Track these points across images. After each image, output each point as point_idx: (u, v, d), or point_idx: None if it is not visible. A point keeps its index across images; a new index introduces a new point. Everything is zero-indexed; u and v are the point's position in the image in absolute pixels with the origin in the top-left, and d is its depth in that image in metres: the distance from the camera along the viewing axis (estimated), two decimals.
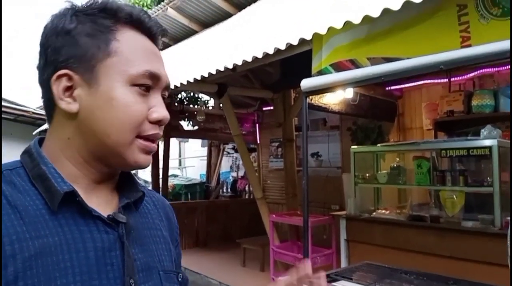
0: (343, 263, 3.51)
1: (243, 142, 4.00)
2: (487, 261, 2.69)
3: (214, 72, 2.66)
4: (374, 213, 3.50)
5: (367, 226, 3.46)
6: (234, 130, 3.75)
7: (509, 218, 2.62)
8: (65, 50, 0.60)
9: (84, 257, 0.57)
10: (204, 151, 8.98)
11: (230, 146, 8.30)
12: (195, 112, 6.23)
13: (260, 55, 2.41)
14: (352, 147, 3.59)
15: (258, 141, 7.08)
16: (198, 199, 7.67)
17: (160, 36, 0.68)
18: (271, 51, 2.32)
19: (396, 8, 1.65)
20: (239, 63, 2.55)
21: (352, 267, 2.46)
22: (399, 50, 1.86)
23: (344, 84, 2.06)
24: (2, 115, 7.61)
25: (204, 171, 8.91)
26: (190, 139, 9.17)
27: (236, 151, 8.14)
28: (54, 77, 0.60)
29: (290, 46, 2.21)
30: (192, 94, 6.74)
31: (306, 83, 2.17)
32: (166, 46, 5.53)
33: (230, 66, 2.63)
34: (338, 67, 2.10)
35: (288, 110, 4.00)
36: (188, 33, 5.39)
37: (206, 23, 4.97)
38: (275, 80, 3.85)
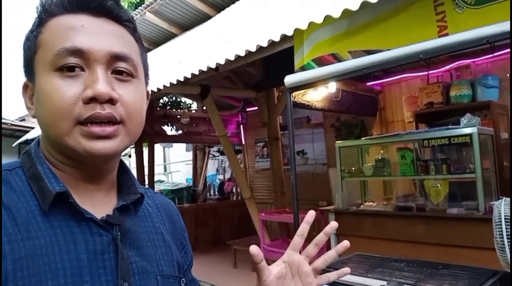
0: None
1: (229, 143, 4.00)
2: (473, 246, 2.76)
3: (197, 72, 2.66)
4: (362, 206, 3.55)
5: (355, 219, 3.50)
6: (220, 131, 3.75)
7: (492, 203, 2.70)
8: (23, 63, 0.62)
9: (76, 259, 0.55)
10: (189, 155, 8.93)
11: (215, 148, 8.28)
12: (178, 116, 6.19)
13: (243, 53, 2.43)
14: (337, 141, 3.63)
15: (243, 142, 7.09)
16: (185, 203, 7.62)
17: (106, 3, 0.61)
18: (253, 49, 2.34)
19: (374, 0, 1.69)
20: (222, 62, 2.56)
21: (343, 258, 2.49)
22: (378, 42, 1.90)
23: (328, 78, 2.09)
24: None
25: (190, 175, 8.85)
26: (174, 144, 9.09)
27: (221, 153, 8.13)
28: (22, 89, 0.63)
29: (272, 43, 2.23)
30: (174, 98, 6.70)
31: (289, 79, 2.19)
32: (146, 51, 5.49)
33: (213, 66, 2.64)
34: (320, 62, 2.13)
35: (272, 109, 4.02)
36: (168, 37, 5.36)
37: (186, 26, 4.96)
38: (258, 80, 3.87)
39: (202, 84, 3.46)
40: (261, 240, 3.99)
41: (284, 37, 2.15)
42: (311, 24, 1.95)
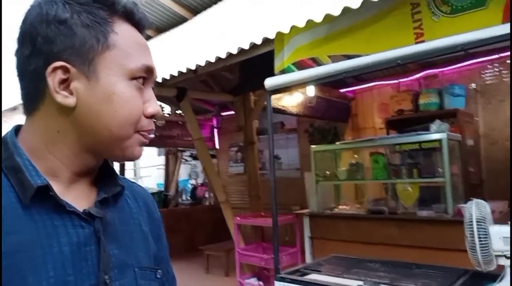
0: (308, 260, 3.58)
1: (205, 146, 3.98)
2: (443, 247, 2.86)
3: (175, 74, 2.64)
4: (336, 209, 3.62)
5: (329, 222, 3.56)
6: (195, 135, 3.72)
7: (461, 205, 2.82)
8: (60, 41, 0.57)
9: (58, 252, 0.55)
10: (161, 160, 8.80)
11: (187, 153, 8.20)
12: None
13: (223, 55, 2.43)
14: (312, 146, 3.69)
15: (218, 147, 7.06)
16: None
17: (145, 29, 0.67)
18: (235, 51, 2.34)
19: (355, 7, 1.74)
20: (202, 64, 2.55)
21: (319, 261, 2.52)
22: (358, 47, 1.95)
23: (308, 81, 2.12)
24: None
25: (161, 180, 8.72)
26: (145, 148, 8.94)
27: (194, 158, 8.05)
28: (50, 69, 0.57)
29: (253, 46, 2.25)
30: None
31: (270, 82, 2.21)
32: None
33: (193, 67, 2.63)
34: (301, 65, 2.17)
35: (248, 113, 4.04)
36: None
37: (161, 29, 4.92)
38: (235, 85, 3.88)
39: (178, 86, 3.42)
40: (236, 244, 3.97)
41: (266, 40, 2.17)
42: (293, 27, 1.99)
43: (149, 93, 0.63)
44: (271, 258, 3.39)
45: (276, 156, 6.19)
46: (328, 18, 1.87)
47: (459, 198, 3.03)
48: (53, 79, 0.57)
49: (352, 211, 3.46)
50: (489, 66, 4.49)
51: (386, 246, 3.11)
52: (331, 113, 5.23)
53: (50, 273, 0.54)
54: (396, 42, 1.83)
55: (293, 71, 2.20)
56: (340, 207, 3.59)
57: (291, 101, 4.59)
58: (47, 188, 0.56)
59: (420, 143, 3.12)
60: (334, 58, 2.04)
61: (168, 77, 2.68)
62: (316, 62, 2.10)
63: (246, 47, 2.28)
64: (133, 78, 0.60)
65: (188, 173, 8.79)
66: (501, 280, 1.78)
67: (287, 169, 6.19)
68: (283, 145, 6.24)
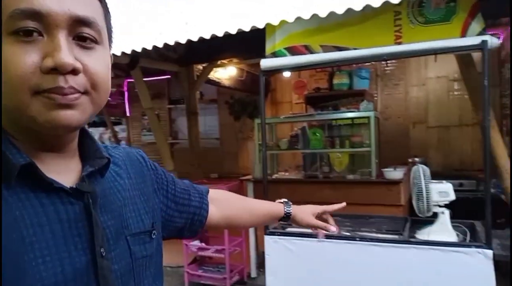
0: None
1: (155, 115, 3.98)
2: (368, 202, 3.58)
3: (160, 45, 2.65)
4: (277, 175, 4.08)
5: (272, 186, 3.99)
6: (146, 104, 3.70)
7: (386, 169, 3.56)
8: None
9: (49, 230, 0.54)
10: None
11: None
12: None
13: (208, 37, 2.50)
14: (256, 119, 4.03)
15: (128, 114, 6.83)
16: None
17: None
18: (220, 34, 2.42)
19: (340, 12, 2.09)
20: (183, 41, 2.60)
21: None
22: (347, 41, 2.35)
23: (300, 66, 2.46)
24: None
25: None
26: None
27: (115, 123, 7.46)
28: None
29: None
30: None
31: (265, 63, 2.47)
32: None
33: (172, 43, 2.67)
34: (293, 51, 2.47)
35: (192, 84, 4.15)
36: None
37: None
38: (181, 55, 3.94)
39: (131, 54, 3.38)
40: None
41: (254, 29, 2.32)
42: (282, 21, 2.23)
43: (52, 43, 0.51)
44: None
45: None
46: (315, 16, 2.17)
47: (380, 164, 3.78)
48: None
49: (292, 176, 3.97)
50: None
51: (322, 204, 3.70)
52: (255, 87, 5.61)
53: (44, 251, 0.52)
54: (379, 41, 2.29)
55: (285, 55, 2.49)
56: (281, 173, 4.07)
57: (224, 75, 4.82)
58: (31, 166, 0.53)
59: (352, 118, 3.74)
60: (325, 48, 2.41)
61: (150, 48, 2.67)
62: (309, 49, 2.43)
63: (233, 32, 2.36)
64: (13, 32, 0.50)
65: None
66: (435, 223, 2.45)
67: (205, 138, 6.42)
68: (202, 114, 6.43)
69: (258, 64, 5.00)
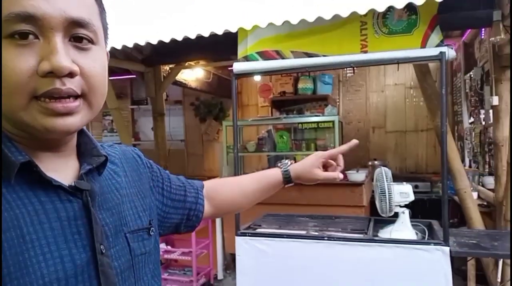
0: (218, 222, 4.02)
1: (121, 116, 3.90)
2: (332, 204, 3.71)
3: (130, 45, 2.62)
4: None
5: None
6: (111, 104, 3.63)
7: (349, 172, 3.70)
8: None
9: (49, 228, 0.54)
10: None
11: None
12: None
13: (180, 38, 2.52)
14: (224, 121, 4.07)
15: None
16: None
17: None
18: (193, 36, 2.44)
19: (311, 20, 2.17)
20: (154, 42, 2.60)
21: (256, 220, 2.99)
22: (316, 47, 2.44)
23: (271, 71, 2.53)
24: None
25: None
26: None
27: None
28: None
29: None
30: None
31: (238, 66, 2.51)
32: None
33: (143, 43, 2.65)
34: (264, 55, 2.53)
35: (158, 85, 4.11)
36: None
37: None
38: (147, 55, 3.90)
39: None
40: None
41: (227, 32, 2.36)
42: (254, 26, 2.30)
43: (48, 46, 0.51)
44: None
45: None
46: (287, 23, 2.25)
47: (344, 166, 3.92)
48: None
49: None
50: None
51: (289, 206, 3.78)
52: (220, 89, 5.63)
53: (45, 248, 0.53)
54: (346, 49, 2.40)
55: (256, 59, 2.54)
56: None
57: (190, 76, 4.82)
58: (30, 164, 0.54)
59: (318, 122, 3.87)
60: (296, 54, 2.49)
61: (119, 47, 2.64)
62: (279, 54, 2.50)
63: (206, 35, 2.38)
64: (9, 35, 0.49)
65: None
66: (396, 222, 2.59)
67: (169, 140, 6.36)
68: (167, 115, 6.36)
69: (225, 67, 5.05)
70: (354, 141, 1.07)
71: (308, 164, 1.02)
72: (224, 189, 1.01)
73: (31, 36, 0.51)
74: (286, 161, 1.04)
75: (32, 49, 0.51)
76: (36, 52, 0.51)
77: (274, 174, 1.01)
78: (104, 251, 0.59)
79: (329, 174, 1.03)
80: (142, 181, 0.77)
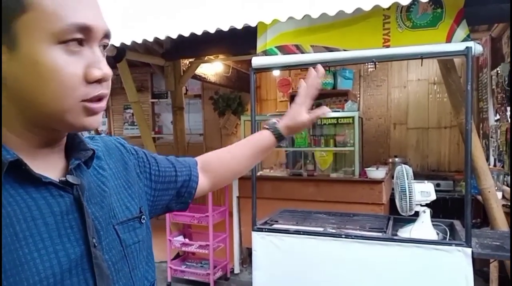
0: (235, 217, 4.03)
1: (141, 109, 3.94)
2: (350, 201, 3.66)
3: (150, 39, 2.63)
4: (261, 172, 4.12)
5: (257, 183, 4.02)
6: (132, 97, 3.67)
7: (368, 169, 3.64)
8: None
9: (43, 224, 0.55)
10: None
11: None
12: None
13: (199, 32, 2.50)
14: (242, 116, 4.05)
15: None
16: None
17: None
18: (212, 31, 2.43)
19: (332, 14, 2.13)
20: (174, 36, 2.59)
21: (272, 216, 2.98)
22: (337, 42, 2.39)
23: (290, 65, 2.49)
24: None
25: None
26: None
27: None
28: None
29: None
30: None
31: (257, 61, 2.49)
32: None
33: (163, 37, 2.66)
34: (284, 50, 2.50)
35: (178, 79, 4.12)
36: None
37: None
38: (167, 49, 3.91)
39: (118, 46, 3.35)
40: None
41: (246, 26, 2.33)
42: (274, 20, 2.26)
43: (94, 54, 0.56)
44: (203, 217, 3.72)
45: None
46: (307, 17, 2.21)
47: (362, 163, 3.87)
48: None
49: (276, 173, 4.01)
50: None
51: (305, 202, 3.75)
52: (240, 84, 5.62)
53: (39, 245, 0.54)
54: (368, 43, 2.35)
55: (276, 53, 2.52)
56: (265, 170, 4.10)
57: (210, 70, 4.82)
58: (18, 162, 0.54)
59: (337, 118, 3.81)
60: (316, 48, 2.45)
61: (140, 42, 2.65)
62: (299, 49, 2.46)
63: (226, 29, 2.36)
64: (63, 42, 0.53)
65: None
66: (417, 222, 2.53)
67: (189, 134, 6.40)
68: (186, 110, 6.40)
69: (245, 61, 5.04)
70: (318, 66, 1.09)
71: (293, 114, 1.05)
72: (217, 160, 1.02)
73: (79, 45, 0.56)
74: (273, 120, 1.06)
75: (81, 56, 0.55)
76: (84, 59, 0.55)
77: (265, 135, 1.04)
78: (96, 244, 0.60)
79: (316, 113, 1.07)
80: (128, 170, 0.78)
